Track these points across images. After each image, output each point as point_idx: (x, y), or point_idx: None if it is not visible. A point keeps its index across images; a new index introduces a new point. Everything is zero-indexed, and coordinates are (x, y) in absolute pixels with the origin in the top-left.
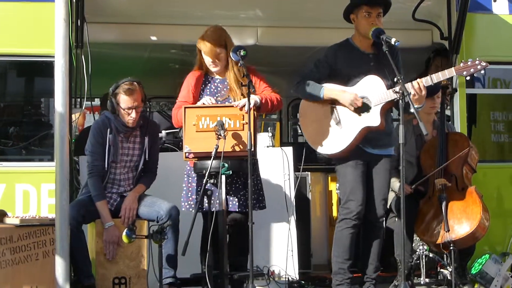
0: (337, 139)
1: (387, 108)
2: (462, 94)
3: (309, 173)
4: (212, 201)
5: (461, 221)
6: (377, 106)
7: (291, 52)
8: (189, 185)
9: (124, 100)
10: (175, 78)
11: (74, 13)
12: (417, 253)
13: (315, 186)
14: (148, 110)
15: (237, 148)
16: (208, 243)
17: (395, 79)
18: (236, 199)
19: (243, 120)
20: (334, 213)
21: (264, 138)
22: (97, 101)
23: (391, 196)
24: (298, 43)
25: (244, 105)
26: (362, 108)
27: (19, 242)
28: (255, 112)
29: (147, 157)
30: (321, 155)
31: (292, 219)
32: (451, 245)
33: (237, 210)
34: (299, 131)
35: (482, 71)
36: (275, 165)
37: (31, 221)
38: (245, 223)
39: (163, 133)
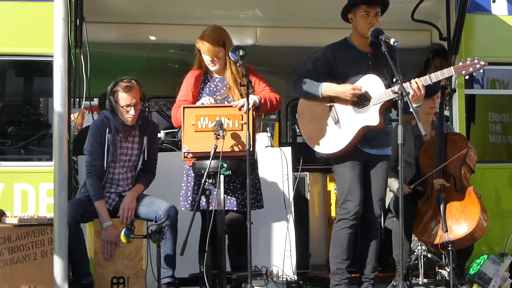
0: (335, 138)
1: (386, 108)
2: (461, 94)
3: (307, 173)
4: (210, 201)
5: (459, 221)
6: (376, 106)
7: (290, 52)
8: (188, 184)
9: (122, 98)
10: (174, 78)
11: (73, 12)
12: (415, 253)
13: (313, 186)
14: (147, 110)
15: (236, 148)
16: (206, 243)
17: (394, 79)
18: (234, 198)
19: (242, 120)
20: (333, 213)
21: (263, 138)
22: (96, 101)
23: (390, 196)
24: (297, 43)
25: (243, 105)
26: (363, 100)
27: (17, 241)
28: (253, 112)
29: (146, 157)
30: (320, 155)
31: (291, 219)
32: (449, 245)
33: (234, 209)
34: (298, 130)
35: (481, 71)
36: (274, 165)
37: (29, 221)
38: (243, 223)
39: (162, 133)
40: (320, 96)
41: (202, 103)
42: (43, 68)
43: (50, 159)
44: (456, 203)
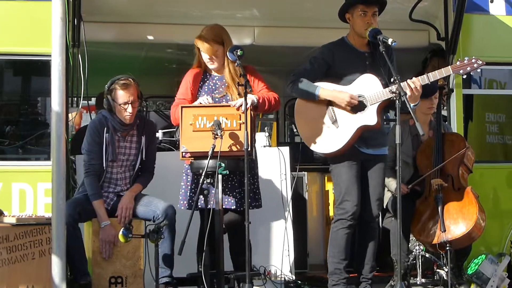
0: (333, 138)
1: (383, 107)
2: (458, 94)
3: (305, 173)
4: (208, 200)
5: (457, 221)
6: (374, 105)
7: (288, 52)
8: (187, 184)
9: (120, 95)
10: (172, 77)
11: (71, 12)
12: (413, 253)
13: (311, 186)
14: (145, 109)
15: (234, 148)
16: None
17: (392, 79)
18: (232, 198)
19: (240, 120)
20: (331, 213)
21: (261, 138)
22: (93, 100)
23: (388, 196)
24: (295, 43)
25: (241, 105)
26: (358, 107)
27: (15, 241)
28: (251, 112)
29: (144, 156)
30: (318, 155)
31: (289, 219)
32: (447, 245)
33: (231, 208)
34: (295, 130)
35: (479, 71)
36: (272, 165)
37: (27, 220)
38: (241, 223)
39: (160, 132)
40: (317, 98)
41: (200, 103)
42: (41, 67)
43: (48, 159)
44: (454, 203)
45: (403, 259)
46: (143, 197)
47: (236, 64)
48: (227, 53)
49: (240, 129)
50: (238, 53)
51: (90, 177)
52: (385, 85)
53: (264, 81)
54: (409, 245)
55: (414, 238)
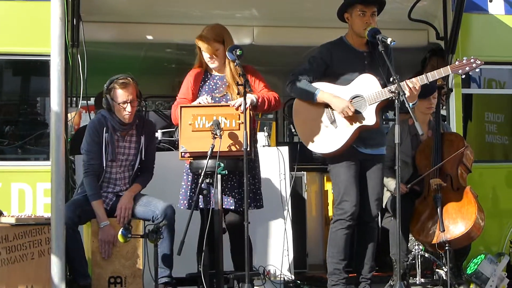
0: (332, 138)
1: (382, 107)
2: (457, 94)
3: (304, 172)
4: (208, 200)
5: (456, 221)
6: (372, 105)
7: (287, 51)
8: (188, 183)
9: (119, 94)
10: (171, 77)
11: (70, 12)
12: (412, 253)
13: (310, 186)
14: (144, 109)
15: (233, 148)
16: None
17: (391, 79)
18: (232, 198)
19: (239, 119)
20: (330, 213)
21: (260, 138)
22: (93, 100)
23: (387, 196)
24: (294, 42)
25: (240, 105)
26: (360, 101)
27: (14, 241)
28: (251, 112)
29: (143, 156)
30: (317, 155)
31: (288, 219)
32: (447, 245)
33: (231, 208)
34: (293, 130)
35: (477, 70)
36: (271, 164)
37: (26, 220)
38: (242, 223)
39: (159, 132)
40: (315, 101)
41: (199, 103)
42: (40, 67)
43: (47, 159)
44: (453, 202)
45: (402, 259)
46: (142, 197)
47: (235, 63)
48: (226, 52)
49: (239, 129)
50: (238, 53)
51: (89, 177)
52: (384, 85)
53: (265, 81)
54: (408, 245)
55: (413, 238)
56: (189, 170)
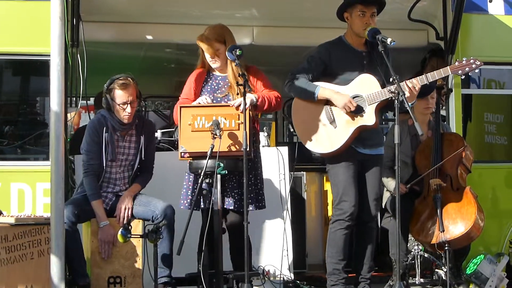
0: (331, 138)
1: (381, 107)
2: (457, 94)
3: (304, 173)
4: (207, 200)
5: (456, 221)
6: (372, 105)
7: (287, 51)
8: (189, 183)
9: (119, 95)
10: (170, 77)
11: (70, 12)
12: (412, 253)
13: (310, 186)
14: (143, 109)
15: (233, 148)
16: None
17: (391, 79)
18: (232, 198)
19: (239, 120)
20: (329, 213)
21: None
22: (92, 100)
23: (386, 196)
24: (293, 42)
25: (240, 104)
26: (355, 111)
27: (14, 241)
28: (250, 112)
29: (143, 156)
30: (316, 155)
31: (288, 219)
32: (446, 245)
33: (231, 207)
34: (292, 130)
35: (477, 71)
36: (271, 165)
37: (26, 220)
38: (242, 223)
39: (159, 132)
40: (316, 98)
41: (199, 103)
42: (39, 67)
43: (47, 159)
44: (453, 202)
45: (402, 259)
46: (142, 197)
47: (235, 63)
48: (226, 52)
49: (239, 129)
50: (237, 53)
51: (89, 177)
52: (383, 85)
53: (267, 82)
54: (408, 245)
55: (413, 238)
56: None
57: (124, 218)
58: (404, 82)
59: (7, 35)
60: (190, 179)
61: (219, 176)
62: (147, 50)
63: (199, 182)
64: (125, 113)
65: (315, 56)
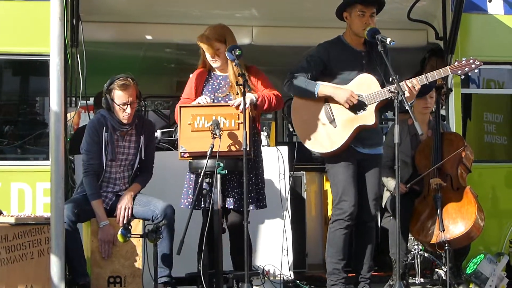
0: (331, 137)
1: (380, 107)
2: (457, 94)
3: (304, 172)
4: (208, 200)
5: (456, 221)
6: (372, 105)
7: (287, 51)
8: (190, 183)
9: (119, 96)
10: (170, 77)
11: (69, 12)
12: (412, 252)
13: (310, 186)
14: (143, 109)
15: (233, 148)
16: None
17: (390, 79)
18: (232, 197)
19: (239, 119)
20: (329, 213)
21: None
22: (92, 100)
23: (386, 195)
24: (293, 42)
25: (240, 104)
26: (357, 106)
27: (14, 241)
28: (250, 112)
29: (143, 156)
30: (315, 154)
31: (287, 219)
32: (446, 245)
33: (231, 207)
34: (291, 128)
35: (476, 70)
36: (271, 164)
37: (26, 220)
38: (243, 223)
39: (158, 132)
40: (317, 95)
41: (198, 102)
42: (39, 67)
43: (47, 159)
44: (453, 202)
45: (402, 259)
46: (141, 197)
47: (234, 63)
48: (226, 52)
49: (238, 129)
50: (237, 53)
51: (89, 176)
52: (382, 85)
53: (268, 81)
54: (408, 245)
55: (413, 237)
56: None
57: (124, 218)
58: (403, 82)
59: (7, 35)
60: (191, 178)
61: (219, 176)
62: (147, 50)
63: (199, 181)
64: (124, 113)
65: (314, 56)
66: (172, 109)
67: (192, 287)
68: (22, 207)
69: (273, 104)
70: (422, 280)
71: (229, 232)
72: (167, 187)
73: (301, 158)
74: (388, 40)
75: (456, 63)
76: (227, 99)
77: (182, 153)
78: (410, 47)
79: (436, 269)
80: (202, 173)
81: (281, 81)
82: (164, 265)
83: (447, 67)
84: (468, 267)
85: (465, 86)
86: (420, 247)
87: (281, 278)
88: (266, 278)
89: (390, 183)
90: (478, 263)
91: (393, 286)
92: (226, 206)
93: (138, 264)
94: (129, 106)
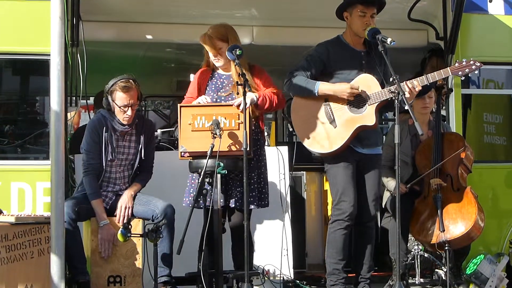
0: (331, 138)
1: (380, 107)
2: (457, 94)
3: (304, 172)
4: (208, 199)
5: (456, 221)
6: (372, 105)
7: (287, 51)
8: (192, 181)
9: (120, 98)
10: (170, 77)
11: (70, 11)
12: (412, 253)
13: (310, 186)
14: (143, 109)
15: (233, 148)
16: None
17: (391, 79)
18: (235, 197)
19: (239, 119)
20: (329, 213)
21: None
22: (92, 100)
23: (387, 195)
24: (293, 42)
25: (240, 104)
26: (357, 107)
27: (14, 240)
28: (252, 111)
29: (142, 155)
30: (315, 154)
31: (287, 218)
32: (446, 245)
33: (233, 206)
34: (290, 128)
35: (476, 72)
36: (271, 164)
37: (26, 219)
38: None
39: (159, 132)
40: (317, 94)
41: (199, 102)
42: (39, 67)
43: (47, 158)
44: (453, 202)
45: (402, 259)
46: (142, 196)
47: (235, 63)
48: (226, 52)
49: (239, 129)
50: (237, 53)
51: (89, 176)
52: (382, 85)
53: (269, 81)
54: (408, 245)
55: (413, 237)
56: None
57: (124, 217)
58: (404, 82)
59: (7, 34)
60: (193, 177)
61: (219, 175)
62: (147, 49)
63: (199, 181)
64: (125, 115)
65: (314, 55)
66: (172, 108)
67: (192, 286)
68: (22, 206)
69: (274, 104)
70: (422, 280)
71: (231, 232)
72: (167, 187)
73: (302, 158)
74: (389, 40)
75: (456, 64)
76: (230, 98)
77: (182, 153)
78: (410, 47)
79: (436, 269)
80: (202, 173)
81: (281, 81)
82: (164, 265)
83: (448, 68)
84: (468, 268)
85: (465, 87)
86: (420, 247)
87: (281, 278)
88: (266, 278)
89: (390, 183)
90: (478, 263)
91: (393, 286)
92: (229, 205)
93: (138, 263)
94: (130, 108)
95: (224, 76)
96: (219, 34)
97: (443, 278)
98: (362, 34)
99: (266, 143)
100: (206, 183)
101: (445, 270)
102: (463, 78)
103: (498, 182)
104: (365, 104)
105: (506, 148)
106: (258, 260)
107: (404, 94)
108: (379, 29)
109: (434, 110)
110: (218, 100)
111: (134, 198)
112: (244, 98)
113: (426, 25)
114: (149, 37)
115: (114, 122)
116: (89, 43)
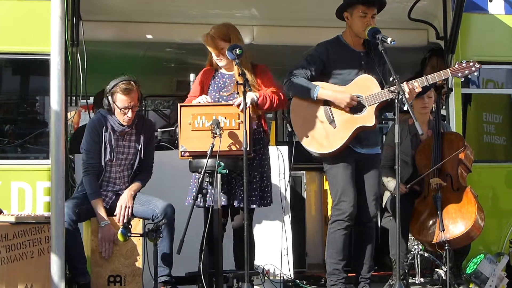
0: (330, 138)
1: (380, 108)
2: (457, 94)
3: (304, 172)
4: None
5: (456, 220)
6: (372, 106)
7: (287, 51)
8: (195, 181)
9: (121, 100)
10: (170, 76)
11: (70, 11)
12: (412, 252)
13: (310, 185)
14: (143, 108)
15: (233, 147)
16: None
17: (391, 79)
18: (238, 196)
19: (239, 119)
20: (329, 212)
21: None
22: (92, 100)
23: (387, 195)
24: (293, 42)
25: (241, 103)
26: (357, 108)
27: (14, 240)
28: (252, 111)
29: (142, 155)
30: (314, 155)
31: (287, 218)
32: (446, 244)
33: (235, 205)
34: (289, 128)
35: (476, 72)
36: (271, 164)
37: (26, 219)
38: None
39: (159, 131)
40: (315, 99)
41: (199, 102)
42: (40, 66)
43: (47, 158)
44: (453, 202)
45: (402, 259)
46: (142, 196)
47: (234, 63)
48: (226, 52)
49: (239, 129)
50: (237, 52)
51: (89, 176)
52: (381, 85)
53: (271, 81)
54: (408, 245)
55: (413, 237)
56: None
57: (124, 217)
58: (404, 83)
59: (7, 34)
60: (196, 176)
61: (219, 175)
62: (147, 49)
63: (199, 181)
64: (125, 117)
65: (314, 55)
66: (172, 108)
67: (192, 286)
68: (22, 206)
69: (275, 104)
70: (422, 280)
71: (233, 232)
72: (167, 187)
73: (302, 158)
74: (389, 39)
75: (456, 66)
76: (231, 98)
77: (182, 153)
78: (410, 46)
79: (436, 269)
80: (202, 172)
81: (281, 81)
82: (164, 264)
83: (448, 69)
84: (468, 267)
85: (465, 86)
86: (420, 247)
87: (281, 278)
88: (266, 278)
89: (390, 183)
90: (478, 263)
91: (393, 286)
92: (233, 204)
93: (138, 263)
94: (130, 110)
95: (227, 75)
96: (221, 34)
97: (443, 277)
98: (363, 35)
99: None
100: (206, 182)
101: (445, 269)
102: (463, 79)
103: (497, 182)
104: (365, 104)
105: (505, 147)
106: (258, 259)
107: (404, 94)
108: (379, 28)
109: (434, 109)
110: (220, 100)
111: (134, 197)
112: (244, 98)
113: (426, 24)
114: (149, 36)
115: (114, 122)
116: (89, 43)
